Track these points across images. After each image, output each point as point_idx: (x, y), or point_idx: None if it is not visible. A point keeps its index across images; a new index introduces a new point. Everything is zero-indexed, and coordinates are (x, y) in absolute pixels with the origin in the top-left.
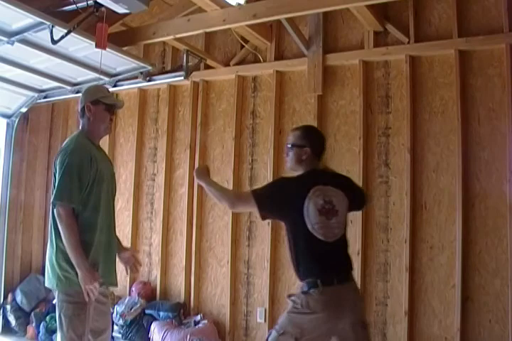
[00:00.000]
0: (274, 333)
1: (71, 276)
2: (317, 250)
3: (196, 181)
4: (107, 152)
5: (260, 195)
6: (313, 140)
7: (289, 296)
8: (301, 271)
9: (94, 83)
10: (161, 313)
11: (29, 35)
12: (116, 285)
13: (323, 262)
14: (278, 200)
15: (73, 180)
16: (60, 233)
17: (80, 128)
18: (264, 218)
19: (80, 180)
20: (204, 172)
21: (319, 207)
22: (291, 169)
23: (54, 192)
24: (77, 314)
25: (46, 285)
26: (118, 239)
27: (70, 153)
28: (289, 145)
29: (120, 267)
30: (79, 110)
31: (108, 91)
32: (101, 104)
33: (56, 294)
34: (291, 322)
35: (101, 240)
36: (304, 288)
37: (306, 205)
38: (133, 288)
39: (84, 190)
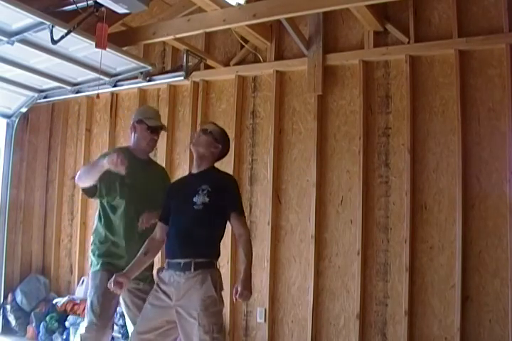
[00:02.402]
0: (221, 335)
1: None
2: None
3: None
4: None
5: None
6: (227, 143)
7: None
8: (211, 250)
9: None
10: None
11: (29, 35)
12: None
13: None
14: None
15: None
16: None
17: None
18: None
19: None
20: (249, 287)
21: None
22: (198, 149)
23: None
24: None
25: None
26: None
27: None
28: (210, 132)
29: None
30: (130, 127)
31: (155, 113)
32: (144, 124)
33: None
34: (220, 313)
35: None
36: (209, 264)
37: None
38: None
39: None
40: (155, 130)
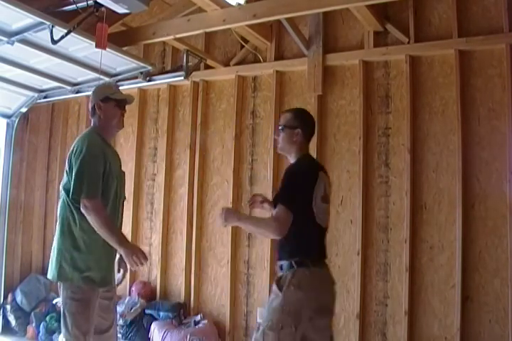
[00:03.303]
0: (272, 333)
1: (74, 271)
2: (314, 233)
3: (229, 225)
4: None
5: (291, 203)
6: (304, 121)
7: (277, 281)
8: (287, 250)
9: (102, 82)
10: (161, 313)
11: (29, 35)
12: (111, 283)
13: (316, 245)
14: (300, 195)
15: (92, 172)
16: (72, 226)
17: (92, 126)
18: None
19: (98, 173)
20: (230, 213)
21: (322, 193)
22: (282, 150)
23: (75, 188)
24: (81, 311)
25: (48, 276)
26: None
27: (86, 148)
28: (281, 127)
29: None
30: (89, 109)
31: (117, 87)
32: (111, 101)
33: (61, 290)
34: (285, 313)
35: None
36: (289, 266)
37: (316, 191)
38: (133, 288)
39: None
40: (123, 104)
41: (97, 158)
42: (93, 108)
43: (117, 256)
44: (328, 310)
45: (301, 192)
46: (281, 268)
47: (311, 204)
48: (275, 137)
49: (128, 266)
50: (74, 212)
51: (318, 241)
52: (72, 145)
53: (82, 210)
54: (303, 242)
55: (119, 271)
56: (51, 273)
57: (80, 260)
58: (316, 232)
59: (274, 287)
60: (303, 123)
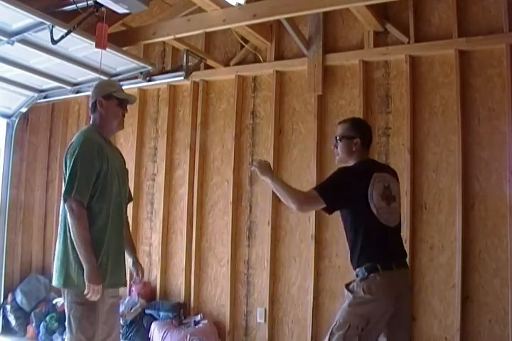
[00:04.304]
0: (338, 333)
1: (80, 276)
2: (380, 234)
3: (261, 177)
4: None
5: (327, 192)
6: (362, 131)
7: (347, 286)
8: (360, 256)
9: (106, 79)
10: (161, 313)
11: (29, 35)
12: (125, 285)
13: (384, 246)
14: (345, 191)
15: (83, 174)
16: (70, 230)
17: (91, 123)
18: (331, 212)
19: (91, 173)
20: (267, 168)
21: (381, 193)
22: (341, 161)
23: (67, 188)
24: (86, 316)
25: (53, 284)
26: (131, 240)
27: (80, 147)
28: (339, 138)
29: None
30: (90, 105)
31: (120, 85)
32: (113, 99)
33: (65, 294)
34: (354, 314)
35: (111, 238)
36: (362, 274)
37: (371, 191)
38: (133, 288)
39: (94, 183)
40: (125, 104)
41: (91, 157)
42: (94, 104)
43: (129, 260)
44: (390, 314)
45: (345, 189)
46: (357, 276)
47: (367, 204)
48: (333, 148)
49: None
50: None
51: (387, 242)
52: (69, 143)
53: (67, 210)
54: (371, 246)
55: (137, 274)
56: (57, 280)
57: (80, 265)
58: (383, 233)
59: (345, 291)
60: (360, 133)
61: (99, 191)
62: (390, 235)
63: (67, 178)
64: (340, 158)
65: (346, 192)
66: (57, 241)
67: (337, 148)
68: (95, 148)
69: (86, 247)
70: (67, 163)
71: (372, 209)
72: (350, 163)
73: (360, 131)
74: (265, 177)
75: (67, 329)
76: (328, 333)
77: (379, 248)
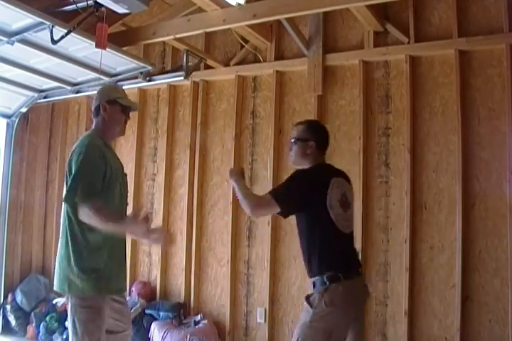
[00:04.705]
0: None
1: (83, 280)
2: (338, 241)
3: (229, 180)
4: None
5: (281, 195)
6: (317, 134)
7: (307, 298)
8: (320, 264)
9: (108, 82)
10: (161, 313)
11: (29, 35)
12: (125, 290)
13: (343, 254)
14: (301, 195)
15: (91, 177)
16: (73, 234)
17: (93, 127)
18: (287, 216)
19: (98, 176)
20: (238, 173)
21: (339, 198)
22: (295, 163)
23: (71, 192)
24: (91, 319)
25: (55, 289)
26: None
27: (85, 151)
28: (293, 140)
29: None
30: (93, 108)
31: (124, 91)
32: (117, 105)
33: (68, 298)
34: (316, 329)
35: (111, 243)
36: (323, 283)
37: (330, 196)
38: (133, 288)
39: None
40: (128, 111)
41: (95, 161)
42: (97, 108)
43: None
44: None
45: (302, 192)
46: (314, 285)
47: (325, 210)
48: (288, 150)
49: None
50: (72, 218)
51: (345, 250)
52: (72, 148)
53: (82, 215)
54: (329, 254)
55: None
56: (59, 286)
57: (86, 270)
58: (340, 240)
59: (305, 304)
60: (316, 136)
61: (104, 195)
62: (346, 242)
63: (70, 181)
64: (294, 160)
65: (303, 196)
66: (59, 245)
67: (291, 150)
68: (100, 154)
69: (121, 226)
70: (72, 167)
71: (331, 215)
72: (305, 166)
73: (315, 134)
74: (231, 180)
75: (71, 333)
76: None
77: (339, 256)
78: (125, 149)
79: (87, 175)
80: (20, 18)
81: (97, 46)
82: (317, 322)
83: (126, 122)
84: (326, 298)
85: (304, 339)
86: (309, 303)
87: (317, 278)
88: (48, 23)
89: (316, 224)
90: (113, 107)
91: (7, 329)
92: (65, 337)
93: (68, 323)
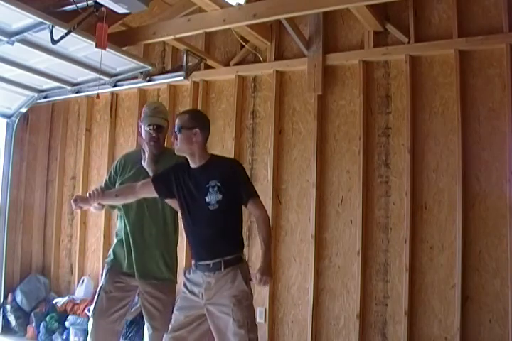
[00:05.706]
0: (255, 335)
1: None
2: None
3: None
4: (106, 152)
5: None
6: (201, 122)
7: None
8: (236, 243)
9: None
10: None
11: (29, 35)
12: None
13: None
14: (168, 181)
15: None
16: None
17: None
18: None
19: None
20: (268, 270)
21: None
22: (180, 151)
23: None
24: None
25: (162, 277)
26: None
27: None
28: (178, 129)
29: None
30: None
31: (153, 109)
32: (144, 122)
33: (165, 287)
34: (253, 310)
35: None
36: (240, 259)
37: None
38: None
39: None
40: (150, 128)
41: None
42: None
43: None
44: None
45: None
46: (231, 263)
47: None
48: (172, 139)
49: None
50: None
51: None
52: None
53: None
54: (242, 235)
55: None
56: (167, 274)
57: (174, 260)
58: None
59: (237, 282)
60: (200, 124)
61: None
62: None
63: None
64: (179, 148)
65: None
66: (152, 236)
67: (177, 139)
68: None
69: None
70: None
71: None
72: (195, 155)
73: (199, 122)
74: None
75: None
76: (245, 331)
77: (242, 238)
78: (125, 149)
79: None
80: (20, 18)
81: (97, 46)
82: (251, 298)
83: (152, 137)
84: (245, 274)
85: (252, 322)
86: (245, 282)
87: (236, 255)
88: (48, 23)
89: (240, 208)
90: (143, 124)
91: (7, 329)
92: (64, 337)
93: None
